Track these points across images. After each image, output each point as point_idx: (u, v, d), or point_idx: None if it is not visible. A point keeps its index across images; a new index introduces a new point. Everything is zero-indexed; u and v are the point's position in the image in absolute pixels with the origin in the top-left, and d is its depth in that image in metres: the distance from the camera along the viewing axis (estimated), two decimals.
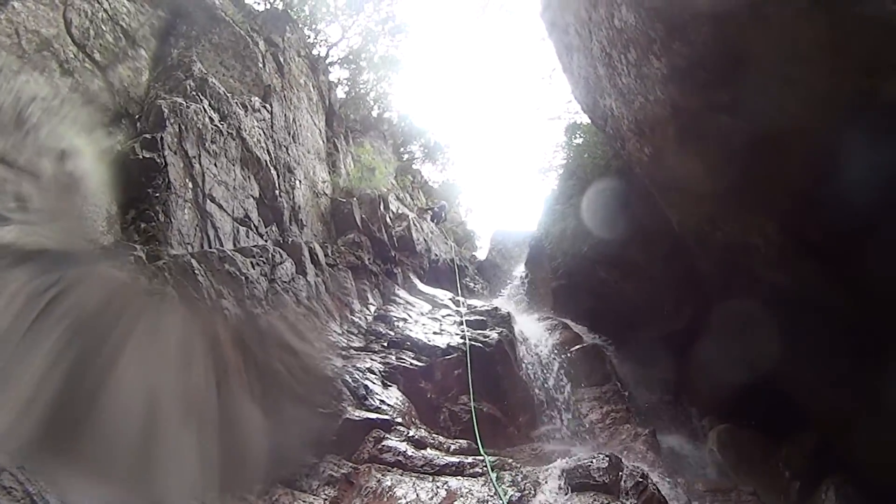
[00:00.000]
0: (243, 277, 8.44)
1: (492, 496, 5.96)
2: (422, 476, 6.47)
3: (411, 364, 9.56)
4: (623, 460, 6.36)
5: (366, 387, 8.10)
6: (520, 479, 6.25)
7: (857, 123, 5.58)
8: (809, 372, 8.66)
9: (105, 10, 9.13)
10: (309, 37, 20.85)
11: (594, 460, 6.16)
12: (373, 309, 12.27)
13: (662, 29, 7.15)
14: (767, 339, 8.72)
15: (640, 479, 5.94)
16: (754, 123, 6.82)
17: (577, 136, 17.76)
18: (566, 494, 5.85)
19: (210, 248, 8.85)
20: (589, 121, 13.59)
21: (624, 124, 9.92)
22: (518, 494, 5.93)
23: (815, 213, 7.00)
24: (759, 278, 8.78)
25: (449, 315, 13.09)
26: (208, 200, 9.28)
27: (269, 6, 17.72)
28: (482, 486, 6.23)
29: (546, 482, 6.13)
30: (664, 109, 8.17)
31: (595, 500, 5.67)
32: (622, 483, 5.92)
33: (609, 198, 13.58)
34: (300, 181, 13.64)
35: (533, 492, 6.00)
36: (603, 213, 13.82)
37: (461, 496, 6.01)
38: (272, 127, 12.89)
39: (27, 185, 6.23)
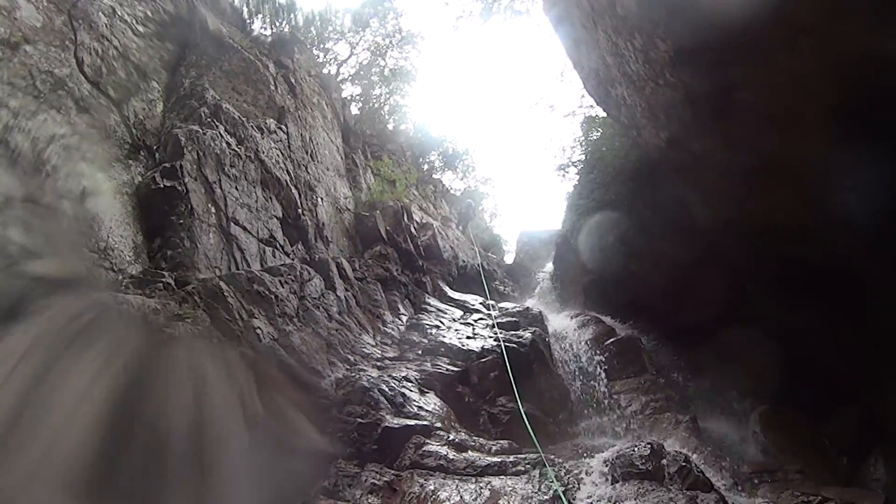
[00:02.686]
0: (273, 296, 8.53)
1: (535, 492, 5.94)
2: (465, 478, 6.44)
3: (447, 369, 9.58)
4: (665, 447, 6.30)
5: (403, 395, 8.10)
6: (563, 474, 6.22)
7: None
8: (850, 344, 8.53)
9: (115, 48, 9.28)
10: (318, 56, 21.09)
11: (636, 449, 6.12)
12: (405, 319, 12.34)
13: (664, 10, 7.12)
14: (803, 315, 8.61)
15: (684, 464, 5.87)
16: (765, 97, 6.77)
17: (594, 129, 17.66)
18: (611, 485, 5.81)
19: (238, 269, 8.95)
20: (603, 113, 13.53)
21: (637, 111, 9.86)
22: (562, 488, 5.89)
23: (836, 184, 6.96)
24: (789, 257, 8.68)
25: (481, 319, 13.11)
26: (232, 223, 9.39)
27: (274, 30, 17.91)
28: (525, 483, 6.19)
29: (589, 474, 6.10)
30: (676, 92, 8.11)
31: (640, 487, 5.62)
32: (666, 469, 5.85)
33: (630, 194, 13.54)
34: (322, 198, 13.75)
35: (577, 485, 5.97)
36: (626, 208, 13.78)
37: (505, 494, 5.99)
38: (289, 147, 13.02)
39: (53, 224, 6.35)
